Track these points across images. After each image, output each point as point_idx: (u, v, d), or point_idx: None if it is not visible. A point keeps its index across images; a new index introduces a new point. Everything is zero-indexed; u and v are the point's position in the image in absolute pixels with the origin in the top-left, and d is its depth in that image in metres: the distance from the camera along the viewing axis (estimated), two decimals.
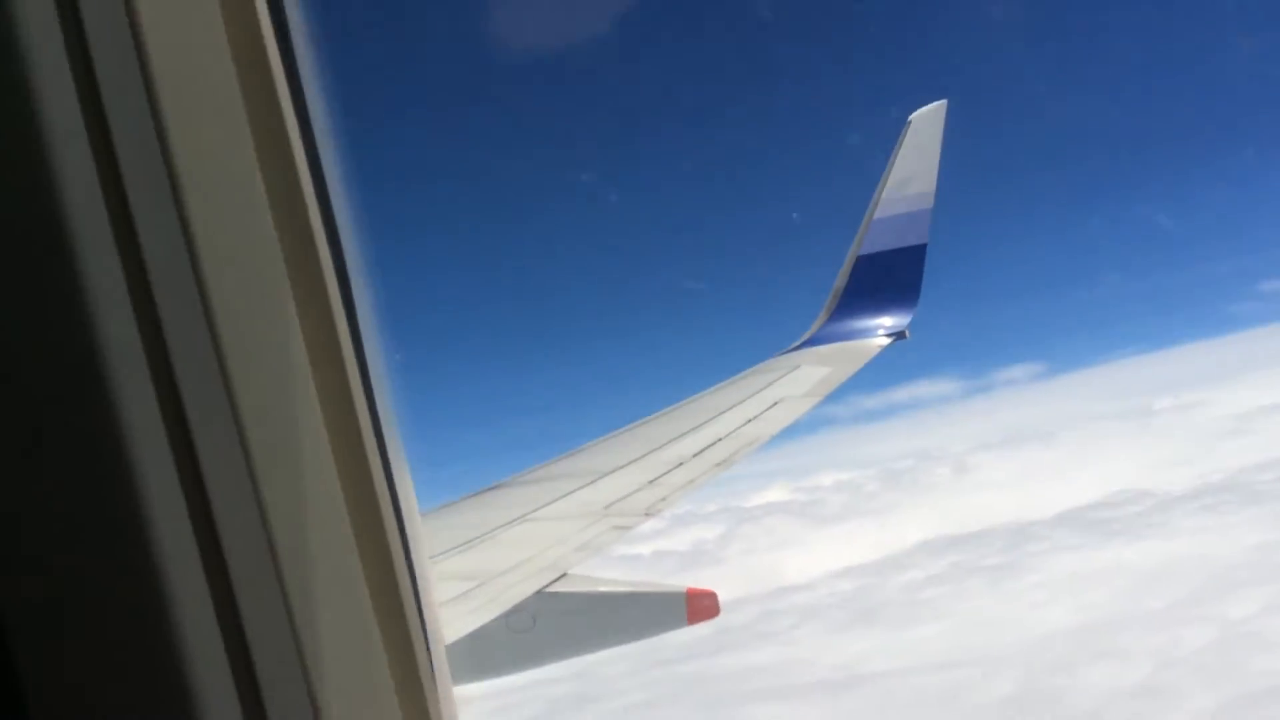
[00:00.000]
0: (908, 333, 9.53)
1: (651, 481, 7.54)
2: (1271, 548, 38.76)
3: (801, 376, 8.95)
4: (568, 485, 7.62)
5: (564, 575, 6.32)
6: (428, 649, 1.26)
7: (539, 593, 6.09)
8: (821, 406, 8.56)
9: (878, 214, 9.77)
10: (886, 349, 9.52)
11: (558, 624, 6.41)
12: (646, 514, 7.20)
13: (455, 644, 5.30)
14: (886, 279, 9.69)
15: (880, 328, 9.61)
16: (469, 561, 6.46)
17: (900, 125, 9.87)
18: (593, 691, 34.81)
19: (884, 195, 9.75)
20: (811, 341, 9.78)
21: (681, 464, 7.79)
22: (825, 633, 40.90)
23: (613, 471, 7.78)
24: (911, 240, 9.69)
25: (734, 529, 68.88)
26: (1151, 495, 54.46)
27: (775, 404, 8.47)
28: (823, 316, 9.91)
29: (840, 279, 9.93)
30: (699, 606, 6.97)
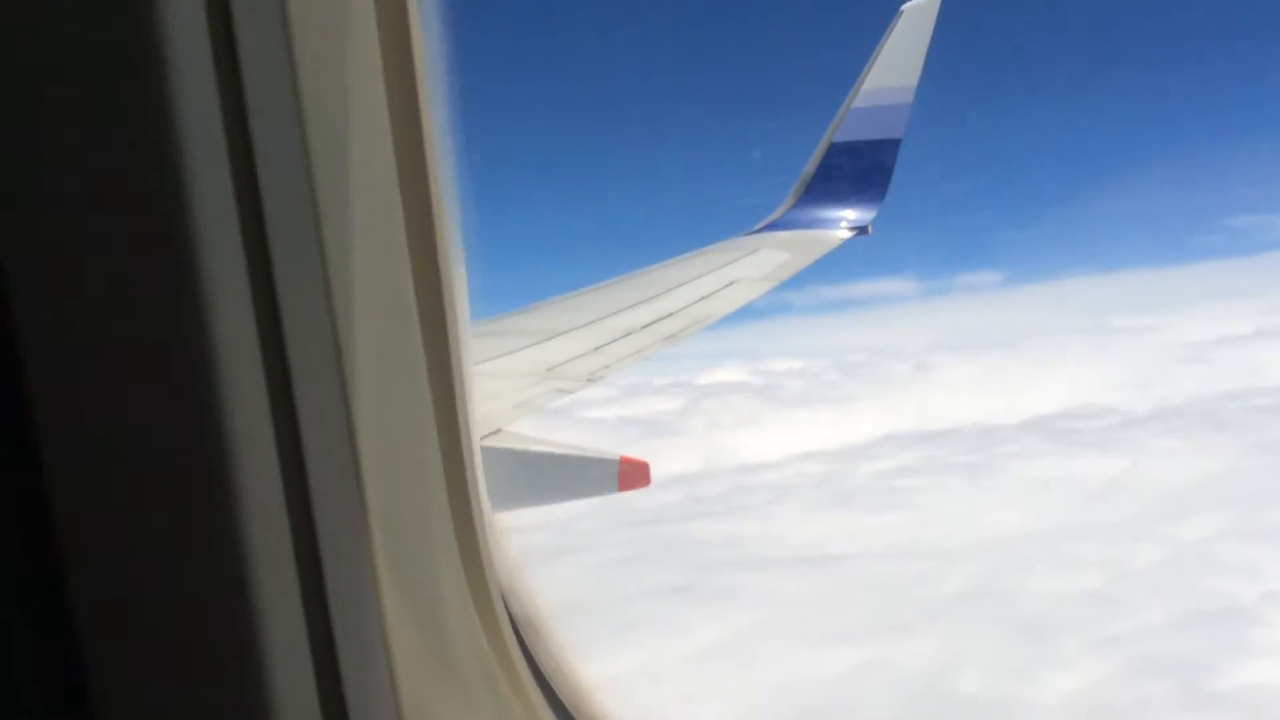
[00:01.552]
0: (870, 228, 9.50)
1: (598, 348, 7.52)
2: (1234, 475, 40.06)
3: (760, 260, 8.91)
4: (514, 342, 7.58)
5: (498, 431, 6.33)
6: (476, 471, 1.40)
7: None
8: (777, 293, 8.55)
9: (856, 103, 9.61)
10: (847, 242, 9.49)
11: (488, 478, 6.41)
12: (589, 379, 7.20)
13: None
14: (856, 170, 9.59)
15: (844, 220, 9.56)
16: None
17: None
18: (572, 544, 35.70)
19: (865, 85, 9.58)
20: (774, 225, 9.72)
21: (630, 334, 7.76)
22: (801, 510, 41.94)
23: (560, 334, 7.74)
24: (887, 133, 9.57)
25: (695, 403, 69.69)
26: (1115, 412, 55.74)
27: (730, 284, 8.45)
28: (789, 201, 9.83)
29: (811, 164, 9.81)
30: (630, 475, 7.03)
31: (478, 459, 1.41)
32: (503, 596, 1.45)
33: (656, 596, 30.32)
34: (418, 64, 1.16)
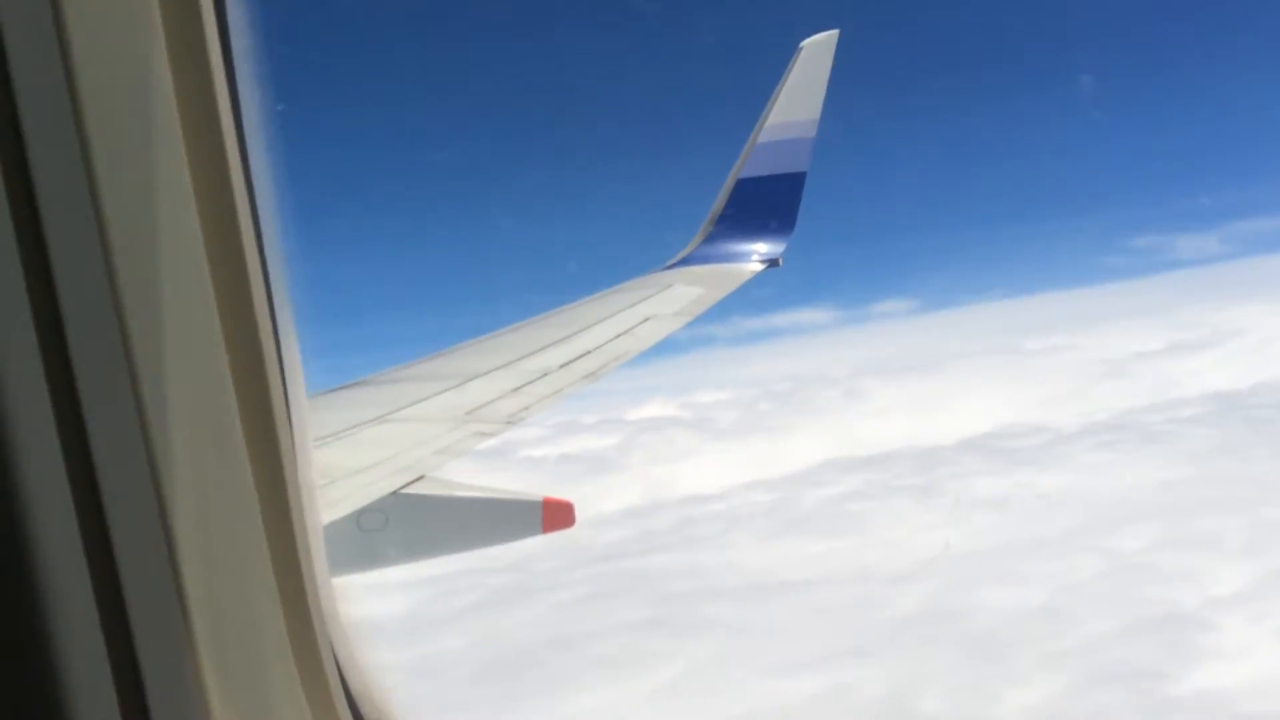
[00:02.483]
0: (781, 260, 9.66)
1: (516, 389, 7.50)
2: (1167, 485, 41.07)
3: (673, 295, 9.00)
4: (431, 387, 7.52)
5: (421, 478, 6.25)
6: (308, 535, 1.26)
7: (395, 493, 6.02)
8: (698, 326, 8.64)
9: (761, 138, 9.80)
10: (759, 275, 9.63)
11: (412, 526, 6.34)
12: (509, 421, 7.17)
13: None
14: (764, 204, 9.76)
15: (755, 253, 9.71)
16: (325, 457, 6.33)
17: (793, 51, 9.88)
18: (536, 583, 35.07)
19: (769, 121, 9.78)
20: (686, 261, 9.82)
21: (548, 374, 7.76)
22: (756, 539, 41.88)
23: (478, 376, 7.70)
24: (791, 167, 9.77)
25: (631, 439, 69.50)
26: (1046, 429, 56.89)
27: (645, 320, 8.50)
28: (699, 237, 9.95)
29: (719, 201, 9.96)
30: (555, 516, 7.00)
31: (317, 556, 1.28)
32: (350, 699, 1.35)
33: (628, 631, 30.07)
34: (224, 117, 1.09)
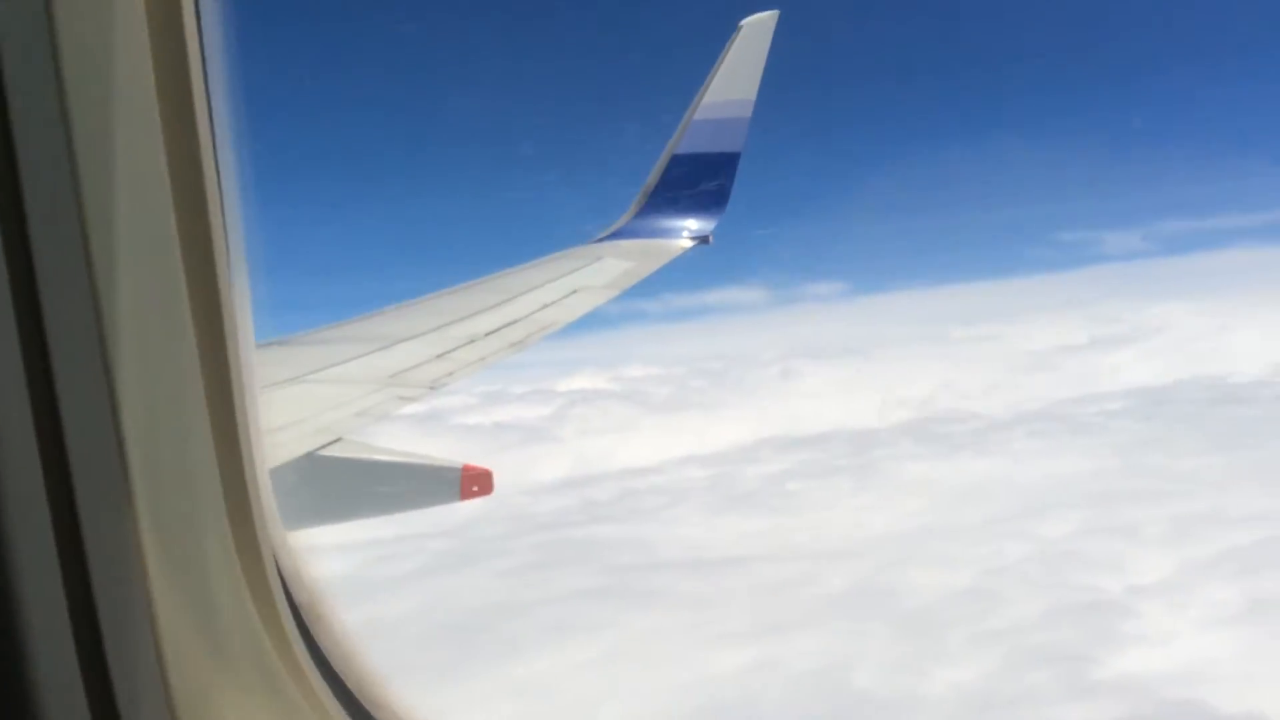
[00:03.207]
0: (711, 238, 9.72)
1: (440, 355, 7.48)
2: (1096, 475, 41.92)
3: (603, 269, 9.02)
4: (354, 349, 7.47)
5: (339, 440, 6.21)
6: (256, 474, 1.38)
7: (309, 454, 5.98)
8: (630, 300, 8.68)
9: (697, 115, 9.82)
10: (690, 251, 9.70)
11: (326, 488, 6.28)
12: (432, 386, 7.15)
13: None
14: (697, 182, 9.80)
15: (686, 229, 9.75)
16: None
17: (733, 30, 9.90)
18: (479, 550, 34.90)
19: (705, 98, 9.80)
20: (617, 235, 9.84)
21: (473, 341, 7.74)
22: (698, 513, 42.10)
23: (402, 341, 7.67)
24: (726, 146, 9.81)
25: (565, 410, 69.40)
26: (978, 416, 57.84)
27: (574, 292, 8.52)
28: (631, 211, 9.97)
29: (653, 176, 9.98)
30: (473, 483, 6.97)
31: (255, 438, 1.38)
32: (283, 584, 1.45)
33: (575, 599, 30.11)
34: (192, 62, 1.16)
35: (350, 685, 1.59)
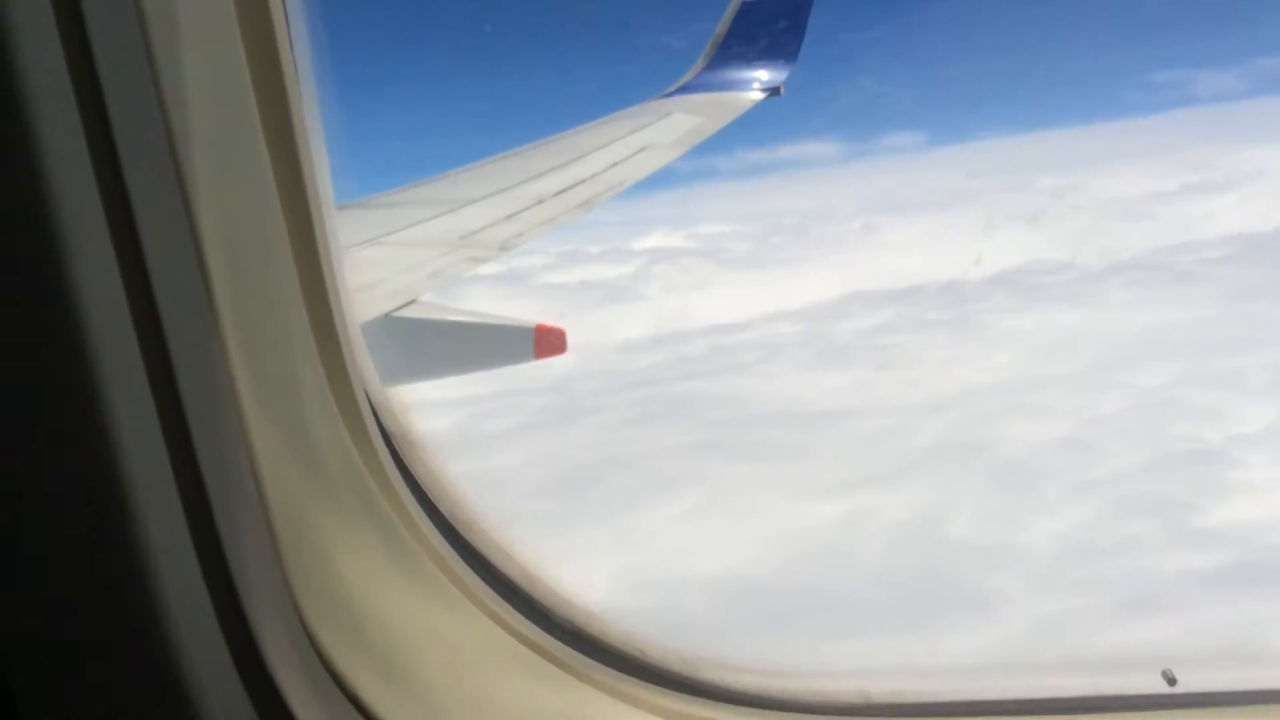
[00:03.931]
0: (782, 89, 9.46)
1: (509, 216, 7.49)
2: (1203, 324, 40.70)
3: (671, 125, 8.86)
4: (426, 211, 7.53)
5: (414, 301, 6.30)
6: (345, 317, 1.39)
7: (387, 315, 6.08)
8: (697, 158, 8.51)
9: None
10: (761, 103, 9.47)
11: (404, 348, 6.41)
12: (502, 248, 7.20)
13: None
14: (768, 30, 9.47)
15: (756, 81, 9.49)
16: None
17: None
18: (577, 406, 35.50)
19: None
20: (686, 89, 9.62)
21: (542, 201, 7.74)
22: (797, 368, 41.96)
23: (472, 203, 7.70)
24: None
25: (646, 268, 68.99)
26: (1072, 267, 55.83)
27: (642, 149, 8.41)
28: (700, 63, 9.71)
29: (721, 26, 9.65)
30: (547, 342, 7.03)
31: (340, 271, 1.42)
32: (372, 408, 1.49)
33: (683, 454, 30.43)
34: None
35: (443, 508, 1.64)
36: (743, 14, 9.61)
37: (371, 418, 1.46)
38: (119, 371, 1.02)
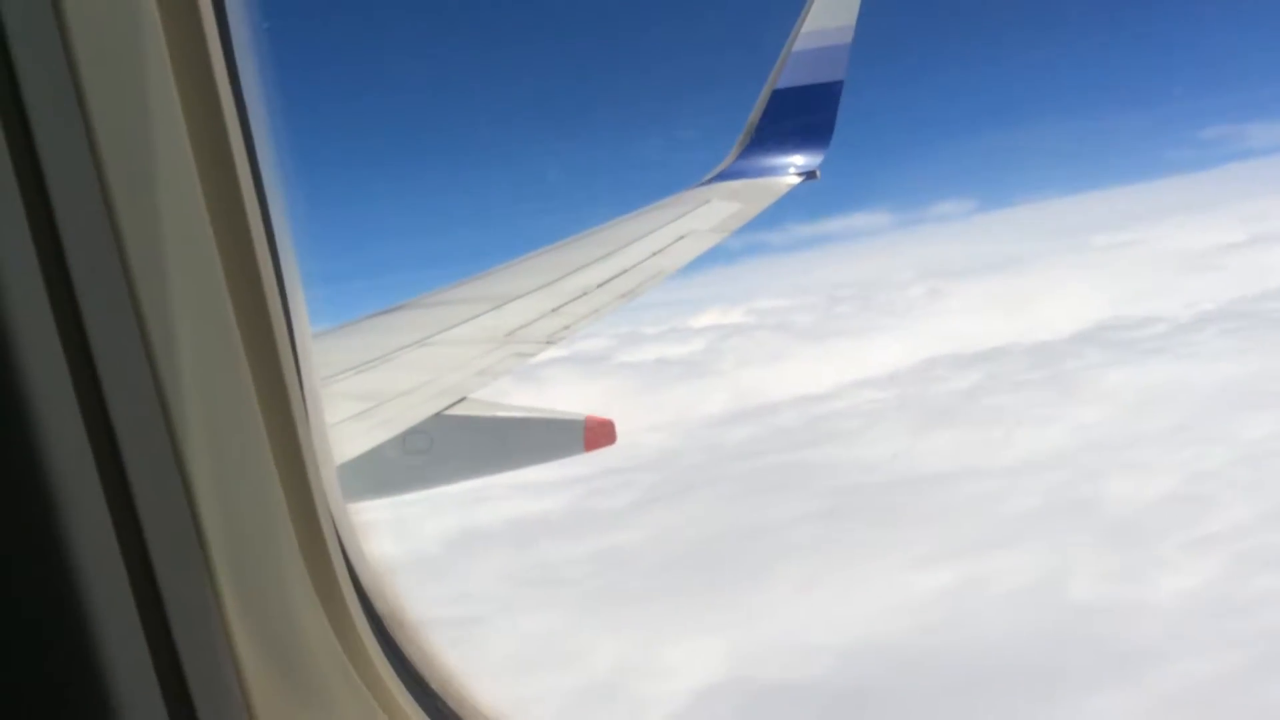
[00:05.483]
0: (818, 172, 9.54)
1: (555, 309, 7.53)
2: None
3: (710, 211, 8.94)
4: (470, 310, 7.57)
5: (463, 399, 6.32)
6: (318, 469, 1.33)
7: (438, 415, 6.09)
8: (746, 234, 8.50)
9: (796, 47, 9.61)
10: (803, 185, 9.55)
11: (456, 447, 6.40)
12: (549, 341, 7.21)
13: (352, 462, 5.32)
14: (801, 115, 9.60)
15: (792, 165, 9.59)
16: (369, 382, 6.43)
17: None
18: (684, 481, 35.04)
19: (803, 28, 9.57)
20: (723, 176, 9.74)
21: (586, 293, 7.77)
22: (897, 434, 40.99)
23: (516, 298, 7.74)
24: (828, 76, 9.57)
25: (716, 344, 68.44)
26: (1160, 320, 54.74)
27: (682, 238, 8.47)
28: (735, 151, 9.85)
29: (755, 113, 9.82)
30: (597, 434, 7.04)
31: (322, 455, 1.35)
32: (362, 594, 1.44)
33: (806, 523, 29.94)
34: (213, 55, 1.13)
35: (435, 688, 1.56)
36: (775, 101, 9.74)
37: (357, 606, 1.40)
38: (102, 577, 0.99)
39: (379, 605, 1.49)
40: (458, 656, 1.63)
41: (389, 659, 1.45)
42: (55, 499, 0.95)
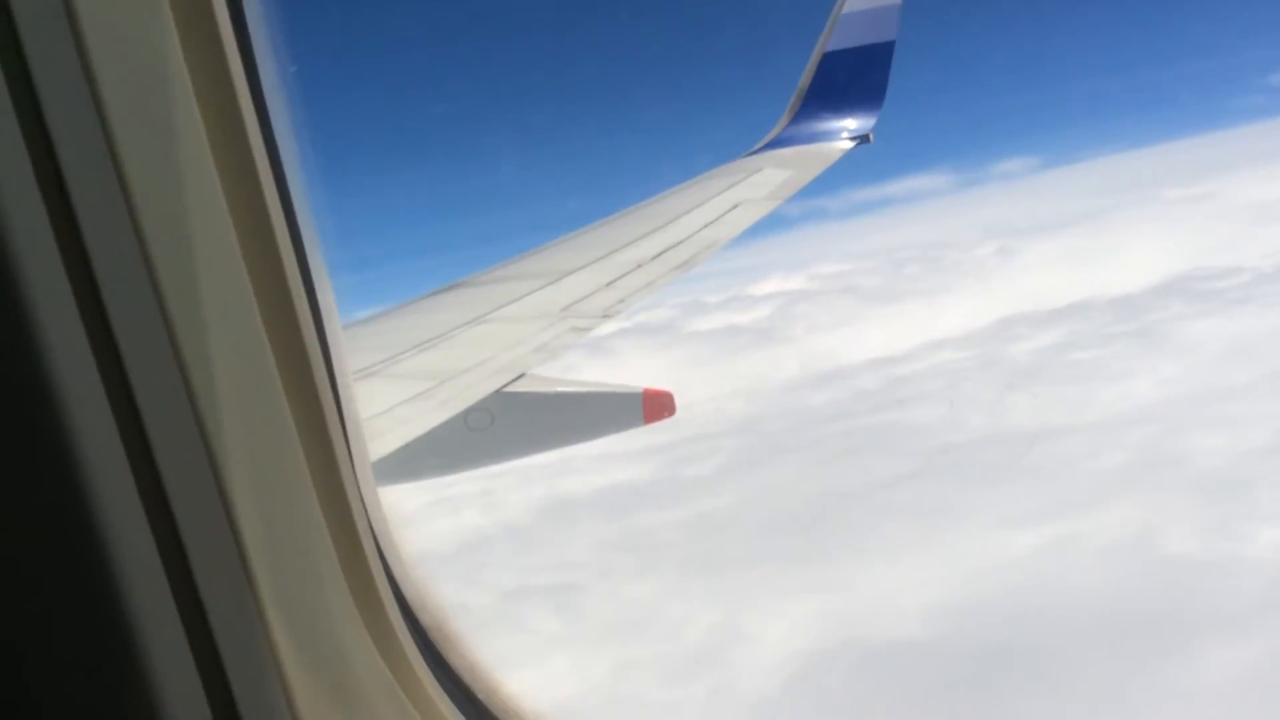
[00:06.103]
0: (871, 136, 9.40)
1: (609, 283, 7.56)
2: None
3: (762, 180, 8.88)
4: (526, 286, 7.65)
5: (522, 375, 6.39)
6: (349, 450, 1.32)
7: (498, 392, 6.17)
8: (803, 200, 8.36)
9: (846, 8, 9.47)
10: (852, 152, 9.42)
11: (517, 423, 6.48)
12: (605, 315, 7.26)
13: (415, 441, 5.45)
14: (852, 78, 9.46)
15: (844, 130, 9.46)
16: (429, 360, 6.53)
17: None
18: (775, 444, 34.90)
19: None
20: (774, 143, 9.65)
21: (640, 266, 7.79)
22: (991, 391, 40.25)
23: (571, 273, 7.79)
24: (879, 37, 9.41)
25: (785, 309, 67.27)
26: (1242, 270, 52.77)
27: (735, 207, 8.44)
28: (786, 117, 9.74)
29: (805, 78, 9.69)
30: (656, 406, 7.05)
31: (360, 469, 1.35)
32: (404, 606, 1.45)
33: (905, 483, 29.70)
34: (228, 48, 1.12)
35: (481, 700, 1.57)
36: (824, 65, 9.61)
37: (400, 621, 1.40)
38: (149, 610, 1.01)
39: (422, 617, 1.50)
40: (497, 659, 1.63)
41: (433, 671, 1.45)
42: (95, 518, 0.96)
